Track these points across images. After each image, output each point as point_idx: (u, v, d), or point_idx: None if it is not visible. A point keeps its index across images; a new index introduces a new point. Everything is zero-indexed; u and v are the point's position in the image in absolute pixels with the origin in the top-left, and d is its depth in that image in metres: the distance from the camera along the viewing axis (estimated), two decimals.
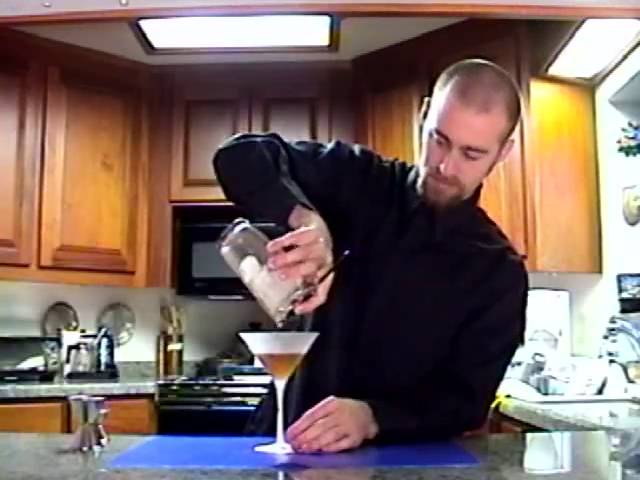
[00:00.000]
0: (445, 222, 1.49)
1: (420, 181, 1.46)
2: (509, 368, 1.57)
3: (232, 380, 3.72)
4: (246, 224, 1.24)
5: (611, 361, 2.76)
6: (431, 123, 1.42)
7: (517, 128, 1.46)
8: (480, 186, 1.52)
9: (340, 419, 1.26)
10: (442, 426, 1.42)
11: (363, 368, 1.46)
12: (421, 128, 1.47)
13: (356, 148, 1.59)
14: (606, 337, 2.79)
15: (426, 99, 1.48)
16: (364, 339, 1.47)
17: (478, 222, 1.58)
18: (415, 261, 1.48)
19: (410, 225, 1.49)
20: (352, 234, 1.48)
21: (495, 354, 1.50)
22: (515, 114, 1.43)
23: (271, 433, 1.27)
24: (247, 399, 3.51)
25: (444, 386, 1.46)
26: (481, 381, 1.48)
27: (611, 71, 3.21)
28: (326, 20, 3.50)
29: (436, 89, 1.44)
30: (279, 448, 1.21)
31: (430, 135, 1.42)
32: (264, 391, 1.67)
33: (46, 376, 3.66)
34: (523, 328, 1.54)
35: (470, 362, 1.47)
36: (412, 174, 1.52)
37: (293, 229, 1.25)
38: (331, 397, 1.30)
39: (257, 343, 1.25)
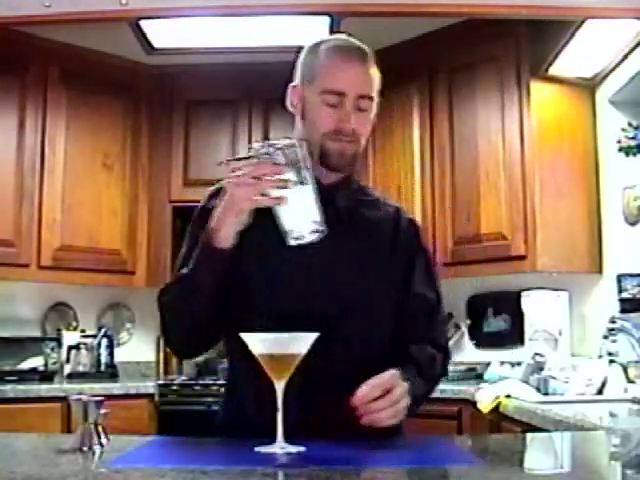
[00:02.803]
0: (340, 201, 1.53)
1: (316, 153, 1.46)
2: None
3: None
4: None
5: (611, 361, 2.75)
6: (316, 89, 1.49)
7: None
8: (356, 157, 1.54)
9: (399, 396, 1.33)
10: (435, 382, 1.56)
11: (329, 344, 1.34)
12: (303, 116, 1.53)
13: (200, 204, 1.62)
14: (606, 337, 2.79)
15: (290, 85, 1.57)
16: (317, 318, 1.42)
17: (366, 191, 1.65)
18: (332, 244, 1.43)
19: None
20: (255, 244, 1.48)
21: (435, 300, 1.60)
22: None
23: (264, 435, 1.24)
24: None
25: (420, 346, 1.53)
26: (438, 331, 1.61)
27: (611, 71, 3.22)
28: (326, 20, 3.50)
29: (301, 65, 1.55)
30: (279, 448, 1.21)
31: (321, 101, 1.47)
32: None
33: (46, 376, 3.66)
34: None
35: (421, 317, 1.57)
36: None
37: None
38: (393, 370, 1.36)
39: (257, 343, 1.25)
